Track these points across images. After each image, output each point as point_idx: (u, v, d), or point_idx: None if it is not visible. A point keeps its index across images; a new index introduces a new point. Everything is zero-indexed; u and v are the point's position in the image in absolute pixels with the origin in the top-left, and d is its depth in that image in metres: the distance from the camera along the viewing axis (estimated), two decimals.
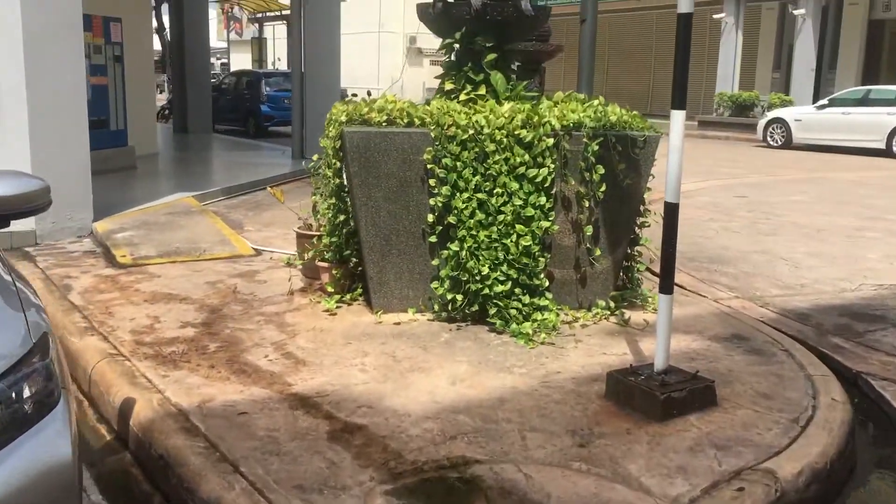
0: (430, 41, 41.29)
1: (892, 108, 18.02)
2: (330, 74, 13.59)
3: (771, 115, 20.75)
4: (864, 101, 18.77)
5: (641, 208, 5.24)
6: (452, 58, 5.49)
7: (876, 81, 23.44)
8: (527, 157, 4.75)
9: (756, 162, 16.67)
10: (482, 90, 5.27)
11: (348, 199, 5.07)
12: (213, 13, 61.93)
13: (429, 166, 4.77)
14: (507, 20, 5.23)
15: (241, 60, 46.74)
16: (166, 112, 21.30)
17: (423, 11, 5.49)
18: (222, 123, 21.56)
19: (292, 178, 11.28)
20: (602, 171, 4.85)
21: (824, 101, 19.69)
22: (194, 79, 17.56)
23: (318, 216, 5.55)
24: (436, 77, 5.71)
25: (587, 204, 4.94)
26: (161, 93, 27.92)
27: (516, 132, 4.75)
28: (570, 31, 25.29)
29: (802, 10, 23.26)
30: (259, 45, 31.71)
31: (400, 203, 4.85)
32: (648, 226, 5.33)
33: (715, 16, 25.78)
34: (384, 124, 4.85)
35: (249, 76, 22.20)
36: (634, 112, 5.16)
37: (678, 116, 3.60)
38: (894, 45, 25.39)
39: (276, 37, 41.13)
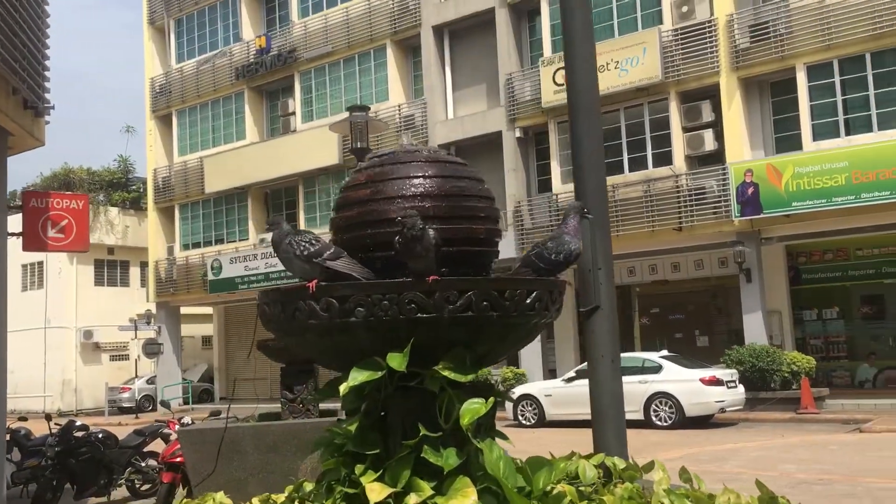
0: (110, 334, 36.16)
1: (643, 375, 17.31)
2: None
3: (520, 390, 19.26)
4: None
5: None
6: (363, 413, 2.33)
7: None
8: None
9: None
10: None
11: None
12: None
13: None
14: (492, 316, 2.28)
15: None
16: None
17: (272, 314, 2.36)
18: None
19: None
20: None
21: (572, 374, 18.64)
22: None
23: None
24: (301, 463, 2.37)
25: None
26: None
27: None
28: None
29: None
30: None
31: None
32: None
33: None
34: None
35: None
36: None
37: None
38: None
39: None
